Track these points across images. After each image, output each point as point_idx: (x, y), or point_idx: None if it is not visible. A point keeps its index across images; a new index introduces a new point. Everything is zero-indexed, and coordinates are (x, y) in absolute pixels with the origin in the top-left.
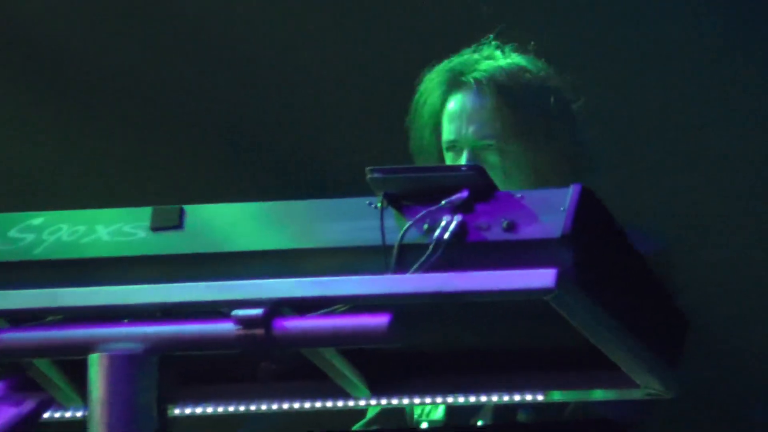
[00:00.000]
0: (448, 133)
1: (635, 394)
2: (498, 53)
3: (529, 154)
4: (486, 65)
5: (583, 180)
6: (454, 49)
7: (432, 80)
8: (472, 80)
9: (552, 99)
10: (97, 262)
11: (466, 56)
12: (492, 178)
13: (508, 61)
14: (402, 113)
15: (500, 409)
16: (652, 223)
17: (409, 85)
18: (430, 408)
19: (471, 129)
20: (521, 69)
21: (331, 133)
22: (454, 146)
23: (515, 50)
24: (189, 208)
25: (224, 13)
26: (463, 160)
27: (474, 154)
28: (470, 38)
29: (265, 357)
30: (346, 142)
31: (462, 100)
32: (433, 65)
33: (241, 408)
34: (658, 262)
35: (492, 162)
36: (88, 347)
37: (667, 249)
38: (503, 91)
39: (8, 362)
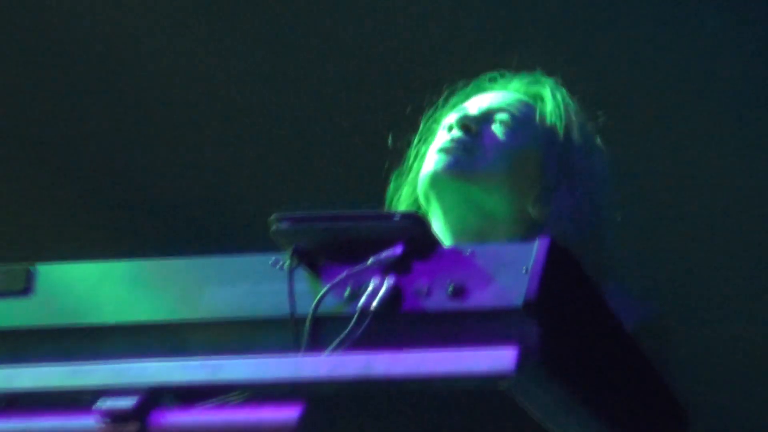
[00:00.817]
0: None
1: None
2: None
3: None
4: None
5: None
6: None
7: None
8: (504, 83)
9: (594, 159)
10: None
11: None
12: (437, 224)
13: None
14: (316, 154)
15: None
16: (641, 288)
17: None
18: None
19: (494, 98)
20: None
21: (226, 173)
22: (452, 124)
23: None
24: (40, 268)
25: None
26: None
27: (482, 119)
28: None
29: None
30: (244, 184)
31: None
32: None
33: None
34: (648, 336)
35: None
36: None
37: (659, 320)
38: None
39: None
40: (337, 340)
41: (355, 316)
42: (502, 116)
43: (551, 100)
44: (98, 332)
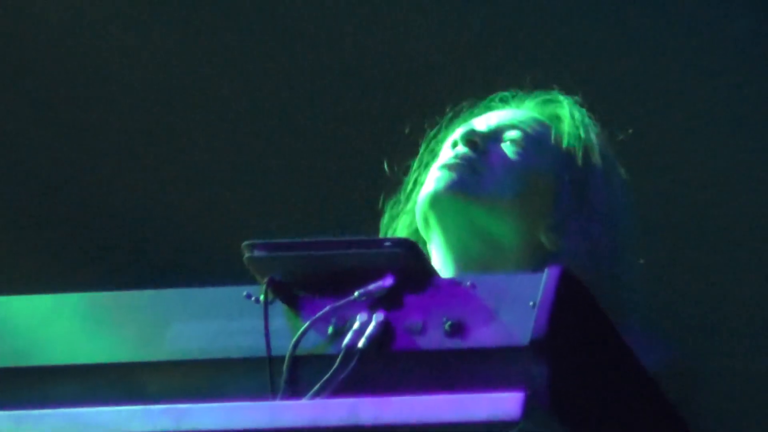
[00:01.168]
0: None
1: None
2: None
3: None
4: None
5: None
6: None
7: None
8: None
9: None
10: None
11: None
12: (431, 254)
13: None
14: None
15: None
16: (664, 327)
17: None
18: None
19: (505, 115)
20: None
21: (194, 192)
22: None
23: None
24: None
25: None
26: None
27: (490, 136)
28: None
29: None
30: (215, 207)
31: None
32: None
33: None
34: (672, 379)
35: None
36: None
37: (684, 361)
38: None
39: None
40: (320, 384)
41: (340, 356)
42: (513, 134)
43: (569, 120)
44: (47, 374)
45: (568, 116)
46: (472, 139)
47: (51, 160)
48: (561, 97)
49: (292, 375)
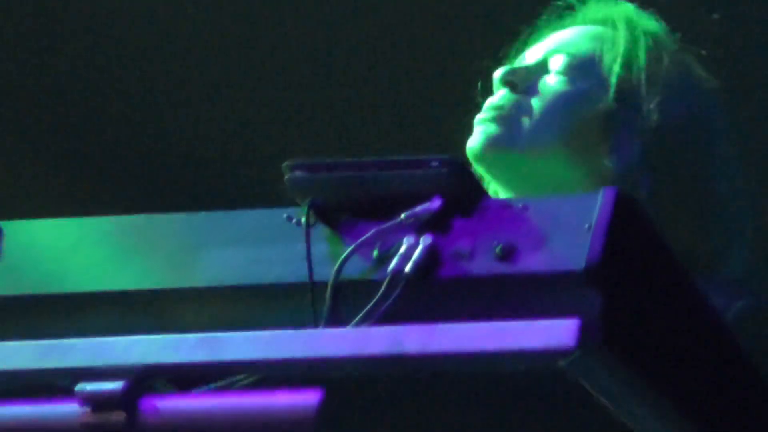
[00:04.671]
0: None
1: None
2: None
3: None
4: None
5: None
6: None
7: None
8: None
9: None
10: None
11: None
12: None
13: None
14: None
15: None
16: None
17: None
18: None
19: (567, 37)
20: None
21: (230, 113)
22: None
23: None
24: (6, 226)
25: None
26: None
27: (533, 71)
28: None
29: None
30: (253, 126)
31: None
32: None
33: None
34: (751, 326)
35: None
36: None
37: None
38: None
39: None
40: (364, 311)
41: (385, 282)
42: (558, 61)
43: (625, 26)
44: (75, 301)
45: (624, 21)
46: (509, 80)
47: (87, 81)
48: (621, 1)
49: (335, 302)
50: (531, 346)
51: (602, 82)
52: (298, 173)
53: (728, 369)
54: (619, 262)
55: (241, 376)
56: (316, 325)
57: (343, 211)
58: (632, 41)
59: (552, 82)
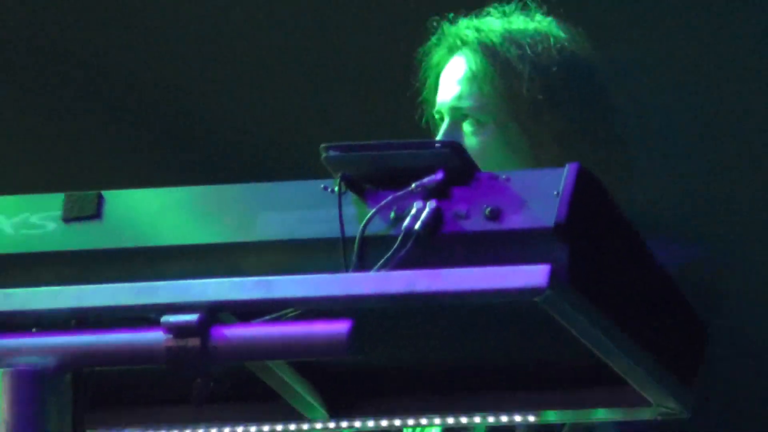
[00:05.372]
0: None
1: (645, 414)
2: (516, 15)
3: (512, 132)
4: (487, 25)
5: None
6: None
7: (434, 44)
8: (459, 41)
9: (566, 72)
10: None
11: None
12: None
13: (520, 23)
14: (359, 85)
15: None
16: (681, 228)
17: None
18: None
19: (451, 93)
20: (535, 33)
21: (279, 103)
22: (440, 116)
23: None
24: (108, 195)
25: None
26: (440, 134)
27: (453, 125)
28: None
29: (202, 372)
30: (295, 114)
31: (454, 63)
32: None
33: None
34: (688, 275)
35: (469, 140)
36: None
37: (700, 261)
38: (491, 52)
39: None
40: (383, 260)
41: (400, 237)
42: (466, 123)
43: (486, 52)
44: (162, 254)
45: (481, 49)
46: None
47: (161, 73)
48: (463, 34)
49: (361, 253)
50: (513, 285)
51: (503, 106)
52: (332, 152)
53: (664, 302)
54: (582, 220)
55: (289, 310)
56: (346, 270)
57: (368, 182)
58: (494, 59)
59: (473, 143)
